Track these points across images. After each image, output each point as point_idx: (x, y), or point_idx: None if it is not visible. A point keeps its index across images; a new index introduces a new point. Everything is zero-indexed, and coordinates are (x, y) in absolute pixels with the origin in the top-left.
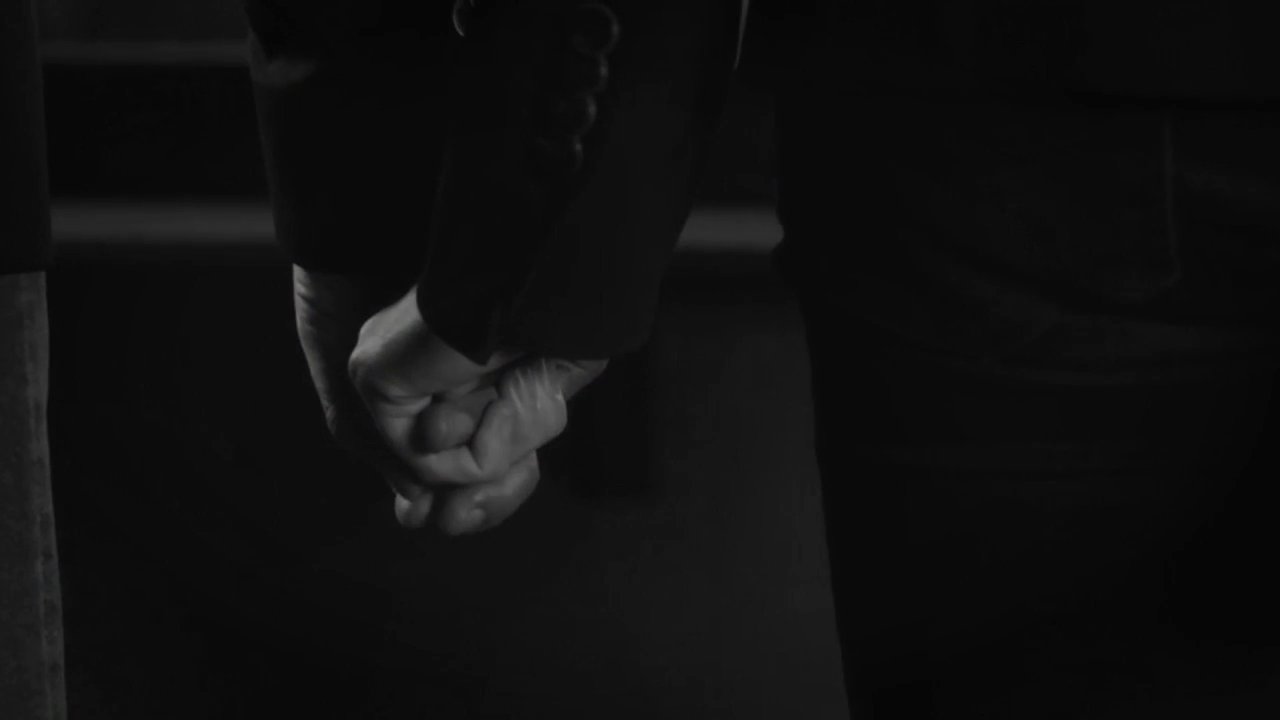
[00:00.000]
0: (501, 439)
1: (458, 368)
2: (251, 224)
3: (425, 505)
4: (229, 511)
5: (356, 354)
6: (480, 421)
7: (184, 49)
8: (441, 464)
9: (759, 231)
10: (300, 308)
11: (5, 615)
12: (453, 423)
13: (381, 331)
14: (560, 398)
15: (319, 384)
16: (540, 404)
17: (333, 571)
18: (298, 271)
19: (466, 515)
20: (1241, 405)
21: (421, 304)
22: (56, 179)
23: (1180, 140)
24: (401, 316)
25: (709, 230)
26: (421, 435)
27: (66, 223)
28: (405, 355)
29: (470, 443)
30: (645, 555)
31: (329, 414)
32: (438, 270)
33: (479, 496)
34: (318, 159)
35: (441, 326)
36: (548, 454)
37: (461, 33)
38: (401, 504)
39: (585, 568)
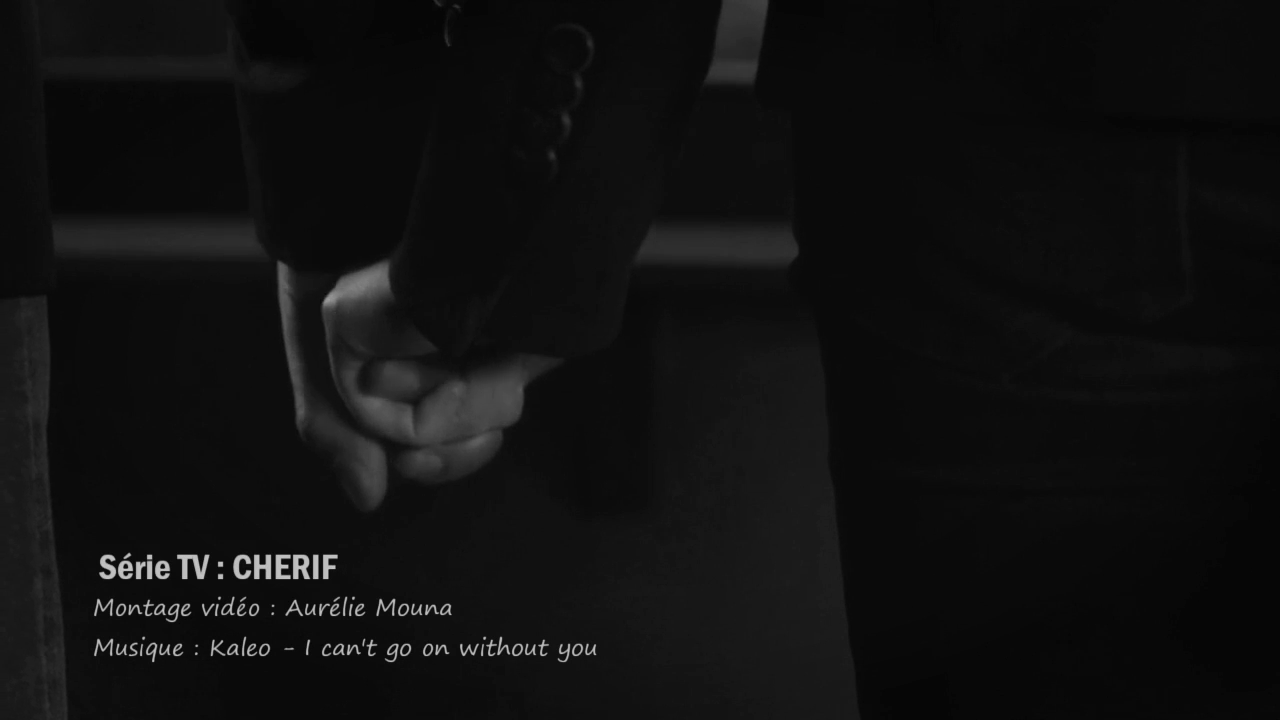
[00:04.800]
0: (444, 414)
1: (424, 345)
2: (251, 239)
3: (376, 463)
4: (231, 521)
5: (331, 301)
6: (430, 391)
7: (183, 65)
8: (383, 415)
9: (760, 248)
10: (286, 306)
11: (4, 633)
12: (398, 372)
13: (358, 287)
14: (519, 390)
15: (298, 382)
16: (496, 391)
17: (337, 581)
18: (284, 270)
19: (424, 459)
20: (1255, 424)
21: (397, 291)
22: (55, 194)
23: (1195, 160)
24: (379, 282)
25: (710, 247)
26: (366, 376)
27: (65, 238)
28: (375, 321)
29: (416, 406)
30: (647, 572)
31: (301, 414)
32: (414, 263)
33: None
34: (308, 161)
35: (419, 319)
36: (551, 472)
37: (449, 43)
38: (364, 484)
39: (587, 584)
